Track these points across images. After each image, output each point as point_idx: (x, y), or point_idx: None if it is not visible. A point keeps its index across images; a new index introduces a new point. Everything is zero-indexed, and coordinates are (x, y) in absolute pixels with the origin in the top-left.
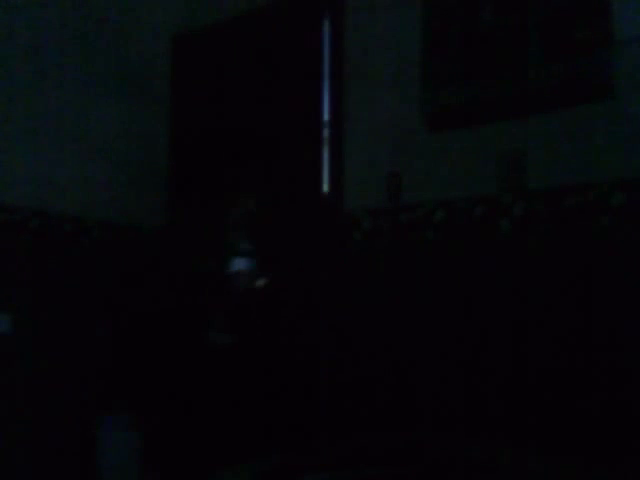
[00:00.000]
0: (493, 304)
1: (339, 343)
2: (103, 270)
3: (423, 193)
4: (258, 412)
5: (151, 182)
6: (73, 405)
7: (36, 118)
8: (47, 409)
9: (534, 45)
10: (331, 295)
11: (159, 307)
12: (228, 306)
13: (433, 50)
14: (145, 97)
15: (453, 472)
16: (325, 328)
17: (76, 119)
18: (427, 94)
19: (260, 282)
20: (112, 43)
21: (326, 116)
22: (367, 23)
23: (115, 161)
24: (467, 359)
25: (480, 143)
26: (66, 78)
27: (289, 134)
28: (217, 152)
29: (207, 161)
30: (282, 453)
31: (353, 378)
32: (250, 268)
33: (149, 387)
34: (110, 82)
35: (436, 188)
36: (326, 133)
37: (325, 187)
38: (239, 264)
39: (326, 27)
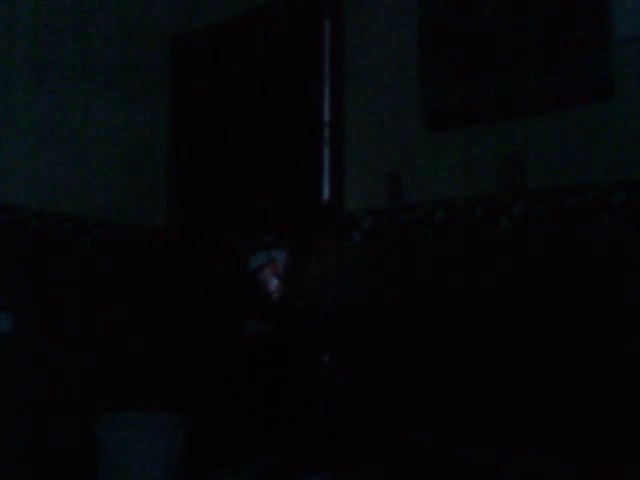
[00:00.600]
0: (493, 304)
1: (339, 343)
2: (103, 270)
3: (423, 193)
4: (260, 412)
5: (151, 182)
6: (73, 405)
7: (36, 118)
8: (47, 409)
9: (534, 45)
10: (331, 295)
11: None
12: (256, 299)
13: (433, 50)
14: (145, 97)
15: (453, 472)
16: (325, 328)
17: (76, 119)
18: (427, 94)
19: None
20: (112, 43)
21: (326, 116)
22: (367, 23)
23: (115, 161)
24: (467, 359)
25: (480, 143)
26: (66, 77)
27: (289, 134)
28: (217, 152)
29: (207, 161)
30: (282, 453)
31: (353, 378)
32: (275, 259)
33: (193, 383)
34: (110, 81)
35: (436, 188)
36: (326, 133)
37: (325, 187)
38: (258, 260)
39: (326, 27)
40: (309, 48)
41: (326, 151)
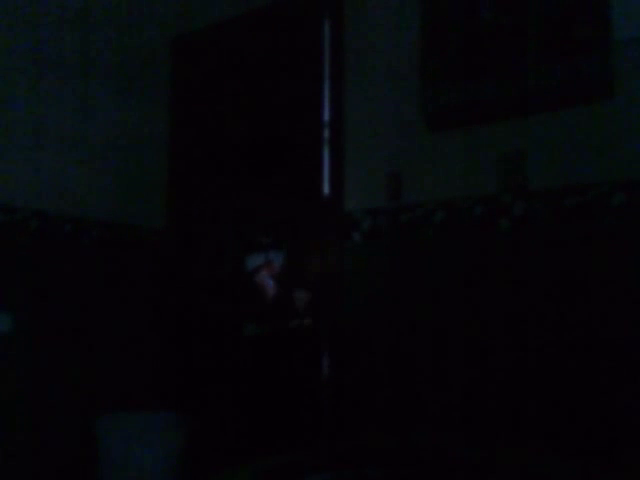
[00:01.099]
0: (493, 304)
1: (339, 343)
2: (103, 270)
3: (423, 193)
4: (261, 413)
5: (151, 182)
6: (73, 405)
7: (36, 118)
8: (47, 409)
9: (534, 45)
10: (331, 295)
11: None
12: (253, 301)
13: (433, 50)
14: (145, 97)
15: (453, 472)
16: (325, 328)
17: (76, 119)
18: (427, 94)
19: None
20: (112, 43)
21: (326, 116)
22: (367, 23)
23: (115, 161)
24: (467, 359)
25: (480, 143)
26: (66, 78)
27: (289, 134)
28: (217, 152)
29: (207, 161)
30: (282, 453)
31: (353, 378)
32: (271, 261)
33: (192, 383)
34: (110, 82)
35: (436, 188)
36: (326, 133)
37: (325, 187)
38: (255, 261)
39: (326, 27)
40: (309, 48)
41: (326, 151)
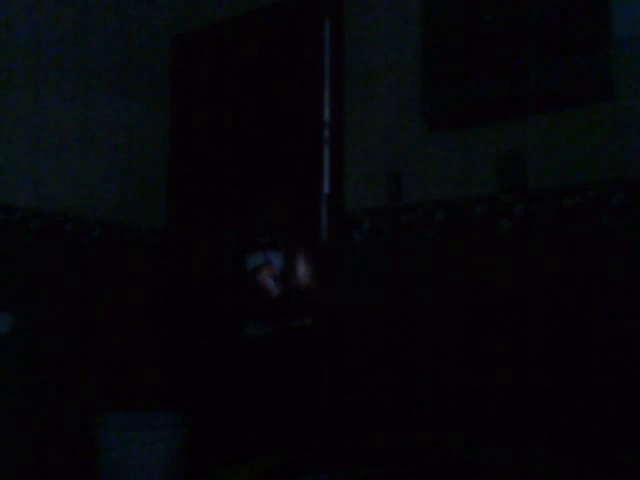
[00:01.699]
0: (493, 304)
1: (339, 343)
2: (103, 270)
3: (423, 193)
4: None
5: (151, 182)
6: (73, 405)
7: (36, 118)
8: (47, 409)
9: (534, 45)
10: (331, 294)
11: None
12: (256, 301)
13: (433, 50)
14: (145, 97)
15: (453, 472)
16: (325, 328)
17: (76, 119)
18: (427, 94)
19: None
20: (112, 43)
21: (326, 116)
22: (367, 23)
23: (115, 161)
24: (467, 359)
25: (480, 143)
26: (66, 78)
27: (289, 134)
28: (217, 152)
29: (207, 161)
30: (282, 453)
31: (353, 378)
32: (270, 261)
33: (193, 384)
34: (110, 82)
35: (436, 188)
36: (326, 133)
37: (325, 187)
38: (255, 260)
39: (326, 27)
40: (309, 48)
41: (326, 151)
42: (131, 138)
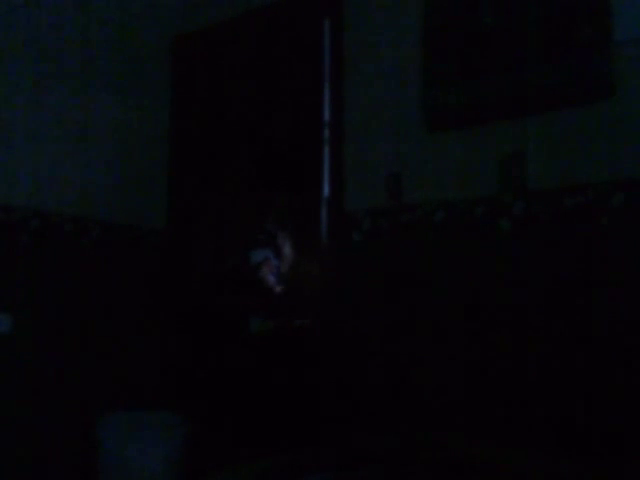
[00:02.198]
0: (493, 304)
1: (339, 343)
2: (103, 270)
3: (423, 193)
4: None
5: (151, 182)
6: (73, 405)
7: (36, 118)
8: (47, 409)
9: (534, 45)
10: (331, 294)
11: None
12: (260, 297)
13: (433, 50)
14: (145, 97)
15: (453, 472)
16: (325, 328)
17: (76, 119)
18: (427, 94)
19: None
20: (112, 43)
21: (326, 116)
22: (367, 23)
23: (115, 161)
24: (467, 359)
25: (480, 143)
26: (66, 78)
27: (289, 134)
28: (216, 152)
29: (207, 161)
30: (282, 453)
31: (353, 377)
32: (270, 258)
33: (196, 383)
34: (110, 82)
35: (436, 188)
36: (326, 133)
37: (325, 187)
38: (257, 256)
39: (326, 27)
40: (309, 48)
41: (326, 151)
42: (131, 138)
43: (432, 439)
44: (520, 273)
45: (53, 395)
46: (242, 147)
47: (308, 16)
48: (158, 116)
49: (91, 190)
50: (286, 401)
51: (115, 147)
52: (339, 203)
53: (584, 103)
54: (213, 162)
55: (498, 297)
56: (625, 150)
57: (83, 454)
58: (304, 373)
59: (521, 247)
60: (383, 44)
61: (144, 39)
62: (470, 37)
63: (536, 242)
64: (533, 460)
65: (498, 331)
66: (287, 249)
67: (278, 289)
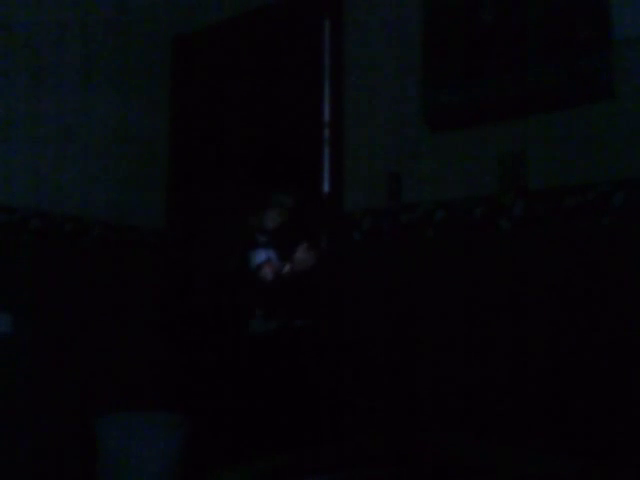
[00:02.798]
0: (493, 304)
1: (339, 343)
2: (103, 270)
3: (423, 193)
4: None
5: (151, 182)
6: (73, 405)
7: (36, 118)
8: (47, 409)
9: (534, 45)
10: (331, 294)
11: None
12: (258, 297)
13: (433, 50)
14: (145, 97)
15: (453, 472)
16: (326, 327)
17: (76, 119)
18: (427, 94)
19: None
20: (112, 43)
21: (326, 116)
22: (367, 23)
23: (115, 161)
24: (467, 359)
25: (480, 143)
26: (66, 78)
27: (289, 134)
28: (216, 152)
29: (207, 161)
30: (282, 453)
31: (353, 377)
32: (270, 259)
33: (195, 383)
34: (110, 82)
35: (436, 188)
36: (326, 133)
37: (325, 187)
38: (259, 257)
39: (326, 27)
40: (309, 48)
41: (326, 151)
42: (131, 138)
43: (432, 439)
44: (520, 273)
45: (53, 395)
46: (242, 147)
47: (308, 16)
48: (158, 116)
49: (91, 190)
50: (286, 401)
51: (115, 147)
52: (339, 203)
53: (584, 103)
54: (213, 162)
55: (498, 297)
56: (625, 150)
57: (83, 454)
58: (304, 373)
59: (521, 247)
60: (383, 44)
61: (144, 39)
62: (470, 37)
63: (536, 242)
64: (533, 460)
65: (498, 331)
66: (300, 253)
67: (278, 289)
